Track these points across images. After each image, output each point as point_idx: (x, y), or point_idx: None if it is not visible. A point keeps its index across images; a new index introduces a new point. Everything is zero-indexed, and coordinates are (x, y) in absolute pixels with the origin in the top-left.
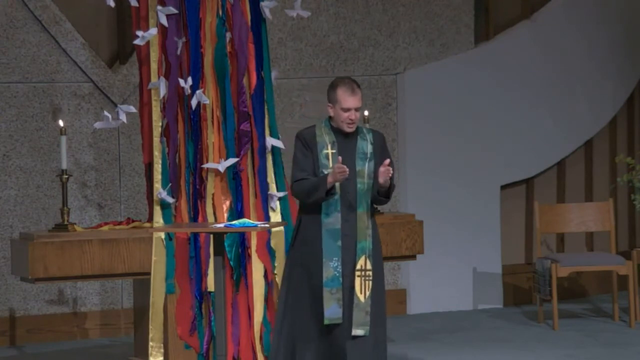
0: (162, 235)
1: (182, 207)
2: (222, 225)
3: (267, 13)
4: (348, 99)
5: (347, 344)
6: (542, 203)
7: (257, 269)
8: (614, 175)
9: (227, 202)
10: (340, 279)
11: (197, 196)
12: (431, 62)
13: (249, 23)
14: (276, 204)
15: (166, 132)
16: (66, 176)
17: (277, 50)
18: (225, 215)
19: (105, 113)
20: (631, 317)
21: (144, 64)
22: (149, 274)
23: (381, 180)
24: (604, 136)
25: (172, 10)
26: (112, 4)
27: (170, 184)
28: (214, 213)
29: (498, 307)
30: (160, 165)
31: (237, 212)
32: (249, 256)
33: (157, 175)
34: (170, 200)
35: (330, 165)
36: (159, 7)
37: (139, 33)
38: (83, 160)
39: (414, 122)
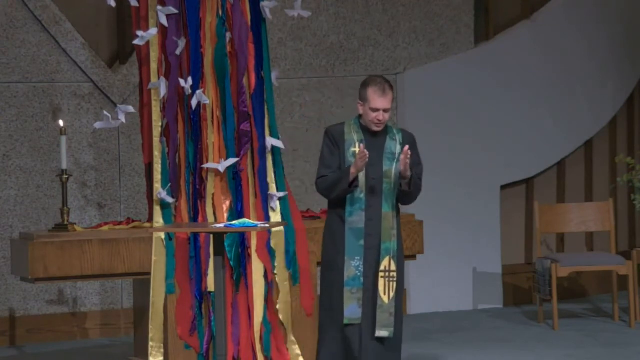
0: (162, 235)
1: (182, 207)
2: (222, 225)
3: (267, 13)
4: (378, 100)
5: (366, 344)
6: (542, 203)
7: (257, 269)
8: (614, 175)
9: (227, 202)
10: (362, 278)
11: (197, 196)
12: (431, 62)
13: (249, 23)
14: (276, 204)
15: (166, 132)
16: (66, 176)
17: (277, 50)
18: (225, 215)
19: (105, 113)
20: (631, 317)
21: (144, 64)
22: (149, 274)
23: (401, 166)
24: (604, 136)
25: (172, 10)
26: (113, 4)
27: (170, 184)
28: (214, 213)
29: (498, 307)
30: (160, 165)
31: (237, 212)
32: (249, 256)
33: (157, 175)
34: (170, 200)
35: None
36: (159, 7)
37: (139, 33)
38: (83, 160)
39: (414, 122)
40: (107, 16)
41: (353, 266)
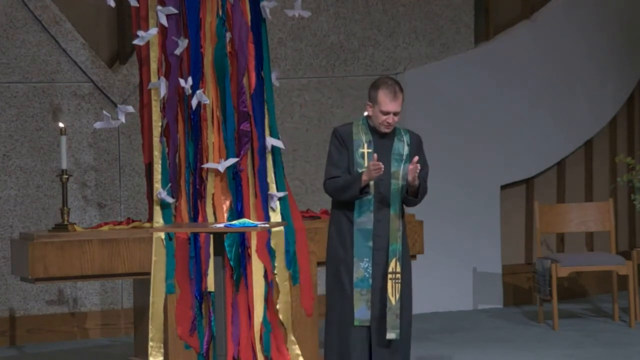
0: (162, 235)
1: (182, 207)
2: (222, 225)
3: (267, 13)
4: (389, 103)
5: (375, 346)
6: (542, 203)
7: (257, 269)
8: (614, 175)
9: (227, 202)
10: (370, 280)
11: (197, 196)
12: (431, 62)
13: (249, 23)
14: (276, 204)
15: (166, 132)
16: (66, 176)
17: (277, 50)
18: (225, 215)
19: (105, 113)
20: (631, 317)
21: (144, 64)
22: (149, 274)
23: (410, 177)
24: (604, 136)
25: (172, 10)
26: (113, 4)
27: (170, 184)
28: (214, 213)
29: (498, 307)
30: (160, 165)
31: (237, 212)
32: (249, 256)
33: (157, 175)
34: (170, 200)
35: (366, 164)
36: (159, 7)
37: (139, 33)
38: (83, 160)
39: (414, 122)
40: (107, 16)
41: (362, 267)
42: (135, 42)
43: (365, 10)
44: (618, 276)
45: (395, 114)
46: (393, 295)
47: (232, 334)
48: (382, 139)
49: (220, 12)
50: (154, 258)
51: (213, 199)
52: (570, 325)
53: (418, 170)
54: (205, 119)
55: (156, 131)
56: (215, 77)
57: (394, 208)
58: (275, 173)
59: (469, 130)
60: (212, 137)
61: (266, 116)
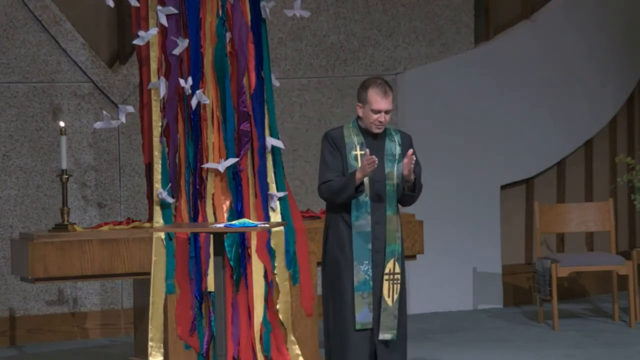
0: (162, 235)
1: (182, 207)
2: (222, 225)
3: (267, 13)
4: (380, 101)
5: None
6: (542, 203)
7: (257, 269)
8: (614, 175)
9: (227, 202)
10: (371, 282)
11: (197, 196)
12: (431, 62)
13: (249, 23)
14: (276, 204)
15: (166, 132)
16: (66, 176)
17: (277, 50)
18: (225, 215)
19: (105, 113)
20: (631, 317)
21: (144, 64)
22: (149, 274)
23: (405, 171)
24: (604, 136)
25: (172, 10)
26: (112, 4)
27: (170, 184)
28: (214, 213)
29: (498, 307)
30: (160, 165)
31: (237, 212)
32: (249, 256)
33: (157, 175)
34: (170, 200)
35: (359, 166)
36: (159, 7)
37: (139, 33)
38: (83, 160)
39: (414, 122)
40: (107, 16)
41: (362, 270)
42: (135, 42)
43: (365, 10)
44: (618, 276)
45: (386, 112)
46: (390, 296)
47: (232, 334)
48: (374, 141)
49: (220, 12)
50: (154, 258)
51: (213, 199)
52: (570, 325)
53: (413, 162)
54: (205, 119)
55: (156, 131)
56: (215, 77)
57: (391, 209)
58: (275, 173)
59: (469, 130)
60: (212, 137)
61: (266, 116)
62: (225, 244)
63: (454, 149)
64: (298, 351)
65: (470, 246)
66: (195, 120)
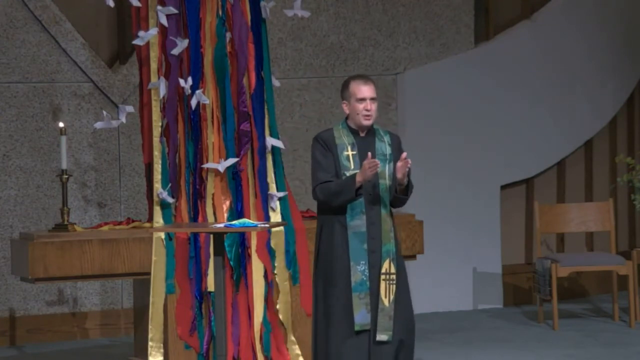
0: (162, 235)
1: (182, 207)
2: (222, 225)
3: (267, 13)
4: (362, 88)
5: (372, 348)
6: (542, 203)
7: (257, 269)
8: (614, 175)
9: (227, 202)
10: (368, 283)
11: (197, 196)
12: (431, 62)
13: (249, 23)
14: (276, 204)
15: (166, 132)
16: (66, 176)
17: (277, 50)
18: (225, 215)
19: (105, 113)
20: (631, 317)
21: (144, 64)
22: (149, 274)
23: (399, 175)
24: (604, 136)
25: (172, 10)
26: (112, 4)
27: (170, 184)
28: (214, 213)
29: (498, 307)
30: (160, 165)
31: (237, 212)
32: (249, 256)
33: (157, 175)
34: (170, 200)
35: (352, 167)
36: (159, 7)
37: (139, 33)
38: (83, 160)
39: (414, 122)
40: (107, 16)
41: (359, 271)
42: (135, 42)
43: (365, 10)
44: (618, 276)
45: (372, 99)
46: (386, 296)
47: (232, 334)
48: (365, 141)
49: (220, 12)
50: (154, 258)
51: (213, 199)
52: (570, 325)
53: (409, 166)
54: (205, 119)
55: (156, 131)
56: (215, 77)
57: (385, 208)
58: (275, 173)
59: (469, 130)
60: (212, 137)
61: (266, 116)
62: (225, 244)
63: (454, 149)
64: (298, 351)
65: (470, 246)
66: (195, 120)
